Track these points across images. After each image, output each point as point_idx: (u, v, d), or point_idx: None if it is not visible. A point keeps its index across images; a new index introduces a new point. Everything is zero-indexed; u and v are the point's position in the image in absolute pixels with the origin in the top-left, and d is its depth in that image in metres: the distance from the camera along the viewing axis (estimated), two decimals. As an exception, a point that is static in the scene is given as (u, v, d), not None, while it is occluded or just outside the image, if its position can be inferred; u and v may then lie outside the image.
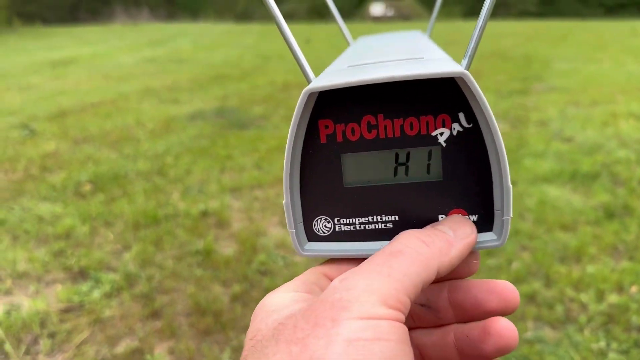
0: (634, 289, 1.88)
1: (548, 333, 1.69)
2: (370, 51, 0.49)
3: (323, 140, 0.35)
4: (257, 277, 2.08)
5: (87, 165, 3.42)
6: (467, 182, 0.35)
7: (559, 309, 1.79)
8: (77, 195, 2.95)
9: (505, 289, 0.35)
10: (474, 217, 0.36)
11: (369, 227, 0.37)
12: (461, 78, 0.32)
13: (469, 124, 0.34)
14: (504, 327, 0.35)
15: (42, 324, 1.82)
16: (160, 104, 5.30)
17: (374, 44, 0.57)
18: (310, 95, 0.33)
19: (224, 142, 3.86)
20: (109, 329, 1.80)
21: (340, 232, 0.37)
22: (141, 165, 3.39)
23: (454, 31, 10.91)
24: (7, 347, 1.71)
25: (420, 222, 0.36)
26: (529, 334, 1.68)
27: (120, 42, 13.20)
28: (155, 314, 1.87)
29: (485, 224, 0.36)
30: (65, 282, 2.08)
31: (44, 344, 1.73)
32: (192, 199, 2.83)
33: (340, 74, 0.35)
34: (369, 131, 0.35)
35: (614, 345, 1.62)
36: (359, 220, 0.37)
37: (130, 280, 2.08)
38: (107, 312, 1.88)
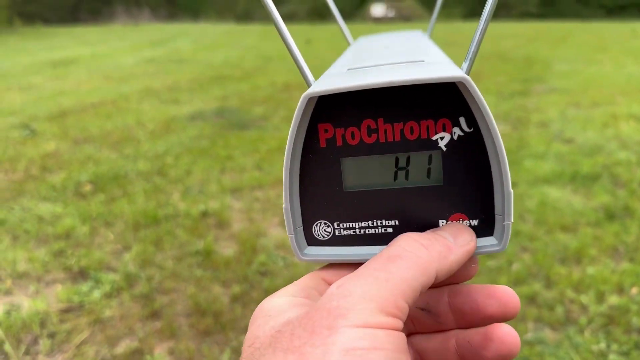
0: (634, 290, 1.88)
1: (548, 334, 1.69)
2: (370, 53, 0.49)
3: (323, 144, 0.35)
4: (257, 278, 2.08)
5: (88, 165, 3.42)
6: (468, 186, 0.35)
7: (560, 310, 1.79)
8: (77, 195, 2.95)
9: (505, 294, 0.35)
10: (475, 222, 0.36)
11: (369, 231, 0.37)
12: (462, 83, 0.31)
13: (469, 128, 0.34)
14: (505, 334, 0.34)
15: (42, 324, 1.82)
16: (160, 105, 5.30)
17: (374, 45, 0.57)
18: (310, 99, 0.33)
19: (224, 143, 3.86)
20: (109, 329, 1.80)
21: (340, 236, 0.37)
22: (141, 165, 3.39)
23: (454, 32, 10.91)
24: (7, 347, 1.71)
25: (421, 226, 0.36)
26: (530, 335, 1.68)
27: (121, 43, 13.20)
28: (155, 315, 1.87)
29: (485, 228, 0.35)
30: (65, 282, 2.08)
31: (44, 344, 1.73)
32: (192, 199, 2.83)
33: (340, 77, 0.35)
34: (369, 135, 0.35)
35: (615, 346, 1.62)
36: (358, 224, 0.37)
37: (130, 280, 2.07)
38: (107, 313, 1.88)
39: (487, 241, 0.35)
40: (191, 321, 1.83)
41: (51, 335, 1.77)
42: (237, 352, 1.69)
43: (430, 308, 0.37)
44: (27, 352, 1.70)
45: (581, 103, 4.76)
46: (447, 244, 0.32)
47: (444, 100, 0.33)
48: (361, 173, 0.36)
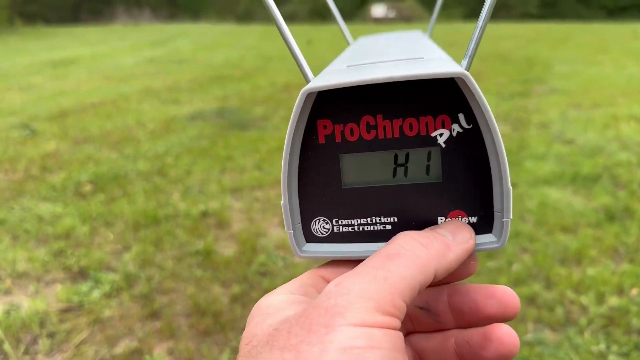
0: (634, 291, 1.88)
1: (548, 335, 1.69)
2: (369, 51, 0.49)
3: (322, 140, 0.35)
4: (257, 278, 2.07)
5: (88, 165, 3.42)
6: (467, 183, 0.35)
7: (559, 311, 1.79)
8: (77, 195, 2.95)
9: (504, 294, 0.35)
10: (474, 219, 0.35)
11: (367, 228, 0.37)
12: (461, 79, 0.31)
13: (468, 125, 0.34)
14: (504, 334, 0.34)
15: (42, 324, 1.82)
16: (160, 105, 5.30)
17: (373, 44, 0.57)
18: (309, 95, 0.33)
19: (224, 143, 3.86)
20: (108, 329, 1.80)
21: (339, 233, 0.37)
22: (141, 165, 3.38)
23: (454, 33, 10.91)
24: (6, 346, 1.71)
25: (420, 223, 0.36)
26: (529, 336, 1.67)
27: (121, 43, 13.21)
28: (154, 315, 1.87)
29: (484, 225, 0.35)
30: (65, 282, 2.08)
31: (43, 343, 1.73)
32: (192, 199, 2.82)
33: (339, 74, 0.35)
34: (368, 132, 0.35)
35: (614, 347, 1.62)
36: (357, 221, 0.37)
37: (130, 280, 2.07)
38: (107, 312, 1.88)
39: (486, 238, 0.35)
40: (191, 321, 1.83)
41: (50, 335, 1.77)
42: (236, 352, 1.69)
43: (429, 307, 0.37)
44: (26, 352, 1.70)
45: (582, 104, 4.75)
46: (446, 242, 0.32)
47: (443, 96, 0.33)
48: (360, 170, 0.35)
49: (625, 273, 1.98)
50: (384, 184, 0.35)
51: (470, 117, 0.33)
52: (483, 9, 0.34)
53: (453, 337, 0.36)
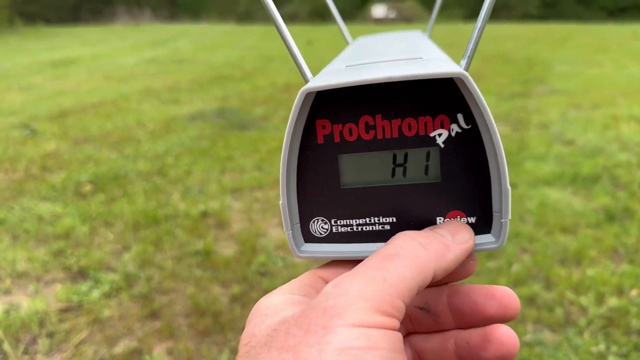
0: (634, 292, 1.88)
1: (548, 336, 1.68)
2: (368, 51, 0.49)
3: (320, 140, 0.35)
4: (256, 278, 2.07)
5: (88, 165, 3.42)
6: (466, 183, 0.35)
7: (559, 311, 1.79)
8: (77, 195, 2.95)
9: (504, 295, 0.35)
10: (472, 219, 0.35)
11: (366, 228, 0.37)
12: (460, 79, 0.31)
13: (467, 125, 0.34)
14: (504, 335, 0.34)
15: (41, 324, 1.82)
16: (160, 105, 5.30)
17: (372, 44, 0.57)
18: (308, 95, 0.33)
19: (224, 143, 3.86)
20: (108, 329, 1.80)
21: (337, 233, 0.37)
22: (141, 165, 3.38)
23: (454, 33, 10.91)
24: (6, 346, 1.71)
25: (418, 223, 0.36)
26: (529, 337, 1.67)
27: (122, 43, 13.21)
28: (154, 315, 1.87)
29: (483, 226, 0.35)
30: (65, 282, 2.08)
31: (43, 343, 1.73)
32: (192, 199, 2.82)
33: (337, 73, 0.35)
34: (367, 132, 0.35)
35: (614, 348, 1.62)
36: (356, 221, 0.37)
37: (129, 280, 2.07)
38: (106, 312, 1.88)
39: (485, 238, 0.35)
40: (190, 321, 1.83)
41: (50, 335, 1.77)
42: (236, 352, 1.69)
43: (429, 307, 0.37)
44: (25, 352, 1.70)
45: (582, 104, 4.75)
46: (445, 242, 0.32)
47: (442, 96, 0.33)
48: (359, 170, 0.35)
49: (624, 274, 1.98)
50: (383, 184, 0.35)
51: (469, 118, 0.33)
52: (482, 10, 0.34)
53: (453, 338, 0.36)
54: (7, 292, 2.02)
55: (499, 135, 0.32)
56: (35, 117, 4.82)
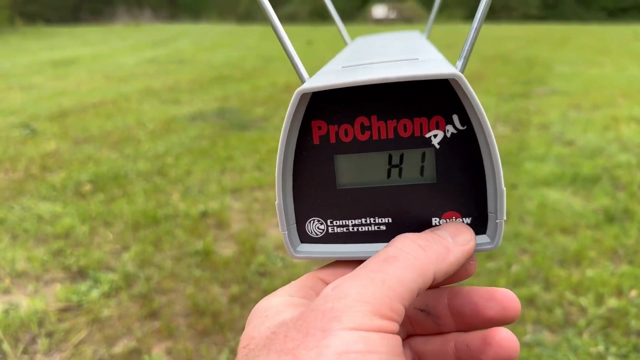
0: (633, 293, 1.88)
1: (547, 336, 1.68)
2: (365, 51, 0.49)
3: (316, 141, 0.35)
4: (256, 279, 2.07)
5: (88, 165, 3.42)
6: (461, 184, 0.35)
7: (558, 312, 1.79)
8: (77, 195, 2.95)
9: (505, 297, 0.35)
10: (468, 220, 0.35)
11: (362, 229, 0.37)
12: (455, 80, 0.31)
13: (462, 126, 0.34)
14: (504, 338, 0.34)
15: (40, 323, 1.82)
16: (161, 105, 5.30)
17: (370, 44, 0.57)
18: (303, 95, 0.33)
19: (224, 143, 3.86)
20: (107, 329, 1.80)
21: (333, 234, 0.37)
22: (141, 165, 3.39)
23: (454, 34, 10.91)
24: (5, 346, 1.71)
25: (414, 224, 0.36)
26: (528, 337, 1.67)
27: (122, 43, 13.21)
28: (153, 314, 1.87)
29: (478, 226, 0.35)
30: (64, 281, 2.08)
31: (42, 343, 1.73)
32: (192, 199, 2.83)
33: (333, 74, 0.35)
34: (363, 132, 0.35)
35: (613, 349, 1.62)
36: (352, 222, 0.37)
37: (128, 280, 2.07)
38: (106, 312, 1.88)
39: (480, 239, 0.35)
40: (189, 321, 1.83)
41: (49, 335, 1.77)
42: (235, 352, 1.69)
43: (429, 309, 0.37)
44: (25, 351, 1.70)
45: (582, 105, 4.75)
46: (445, 245, 0.32)
47: (437, 97, 0.33)
48: (354, 170, 0.35)
49: (624, 274, 1.98)
50: (379, 185, 0.36)
51: (464, 119, 0.33)
52: (478, 11, 0.34)
53: (453, 341, 0.36)
54: (6, 291, 2.02)
55: (493, 136, 0.32)
56: (36, 116, 4.83)
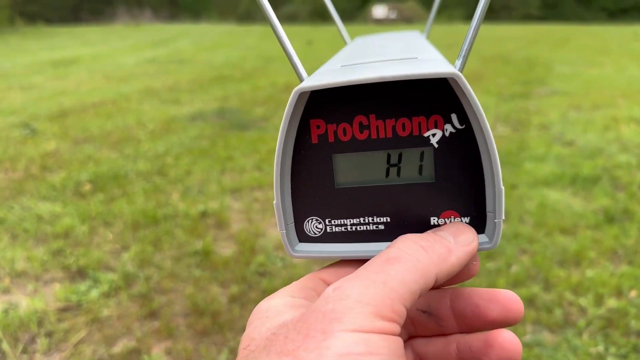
0: (633, 293, 1.88)
1: (547, 337, 1.68)
2: (364, 51, 0.49)
3: (314, 140, 0.35)
4: (255, 279, 2.07)
5: (88, 165, 3.42)
6: (460, 183, 0.35)
7: (558, 312, 1.79)
8: (77, 194, 2.95)
9: (507, 299, 0.35)
10: (466, 219, 0.35)
11: (360, 228, 0.37)
12: (453, 79, 0.31)
13: (461, 125, 0.34)
14: (506, 340, 0.34)
15: (40, 323, 1.82)
16: (161, 105, 5.30)
17: (369, 44, 0.57)
18: (302, 94, 0.33)
19: (224, 143, 3.86)
20: (107, 329, 1.80)
21: (332, 233, 0.37)
22: (141, 165, 3.39)
23: (455, 34, 10.90)
24: (4, 345, 1.71)
25: (413, 223, 0.36)
26: (528, 338, 1.67)
27: (122, 43, 13.22)
28: (153, 314, 1.87)
29: (477, 226, 0.35)
30: (64, 281, 2.08)
31: (41, 343, 1.73)
32: (191, 199, 2.82)
33: (332, 73, 0.35)
34: (361, 131, 0.34)
35: (613, 349, 1.62)
36: (350, 221, 0.37)
37: (128, 280, 2.07)
38: (105, 312, 1.88)
39: (479, 239, 0.35)
40: (189, 321, 1.83)
41: (49, 334, 1.77)
42: (234, 352, 1.69)
43: (431, 311, 0.37)
44: (24, 351, 1.70)
45: (582, 105, 4.75)
46: (447, 246, 0.32)
47: (435, 96, 0.33)
48: (353, 169, 0.35)
49: (624, 275, 1.98)
50: (377, 184, 0.35)
51: (463, 118, 0.33)
52: (477, 10, 0.34)
53: (455, 342, 0.36)
54: (6, 291, 2.02)
55: (492, 135, 0.32)
56: (36, 116, 4.83)
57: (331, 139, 0.35)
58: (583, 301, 1.84)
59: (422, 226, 0.35)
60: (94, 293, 1.98)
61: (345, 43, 0.65)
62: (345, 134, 0.35)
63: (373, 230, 0.36)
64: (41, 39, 14.86)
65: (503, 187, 0.33)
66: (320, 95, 0.34)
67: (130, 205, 2.76)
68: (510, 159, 3.27)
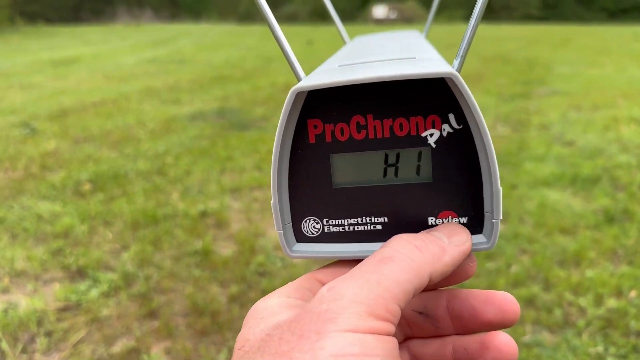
0: (632, 293, 1.88)
1: (546, 337, 1.68)
2: (363, 50, 0.49)
3: (312, 140, 0.35)
4: (255, 278, 2.07)
5: (87, 164, 3.42)
6: (457, 183, 0.35)
7: (558, 313, 1.79)
8: (77, 194, 2.95)
9: (503, 300, 0.35)
10: (464, 219, 0.35)
11: (358, 228, 0.36)
12: (451, 79, 0.31)
13: (459, 125, 0.34)
14: (502, 342, 0.34)
15: (39, 323, 1.82)
16: (161, 104, 5.30)
17: (368, 44, 0.57)
18: (299, 94, 0.33)
19: (224, 143, 3.86)
20: (106, 329, 1.80)
21: (329, 233, 0.37)
22: (141, 165, 3.39)
23: (455, 34, 10.90)
24: (4, 345, 1.71)
25: (410, 223, 0.36)
26: (527, 338, 1.67)
27: (122, 43, 13.22)
28: (152, 314, 1.87)
29: (475, 226, 0.35)
30: (63, 281, 2.08)
31: (41, 342, 1.73)
32: (191, 199, 2.82)
33: (329, 73, 0.35)
34: (359, 131, 0.34)
35: (612, 349, 1.62)
36: (348, 221, 0.36)
37: (128, 279, 2.07)
38: (105, 312, 1.88)
39: (476, 239, 0.35)
40: (188, 321, 1.83)
41: (48, 334, 1.77)
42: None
43: (428, 312, 0.37)
44: (24, 351, 1.70)
45: (582, 106, 4.75)
46: (441, 245, 0.32)
47: (433, 96, 0.33)
48: (350, 169, 0.35)
49: (623, 275, 1.98)
50: (375, 184, 0.35)
51: (461, 118, 0.33)
52: (474, 10, 0.34)
53: (451, 344, 0.36)
54: (5, 290, 2.02)
55: (489, 135, 0.32)
56: (36, 116, 4.83)
57: (329, 138, 0.35)
58: (583, 301, 1.84)
59: (420, 226, 0.35)
60: (94, 293, 1.98)
61: (344, 43, 0.65)
62: (342, 133, 0.35)
63: (371, 230, 0.36)
64: (41, 38, 14.87)
65: (501, 187, 0.33)
66: (317, 95, 0.34)
67: (130, 204, 2.76)
68: (510, 159, 3.27)
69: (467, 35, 0.34)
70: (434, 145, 0.34)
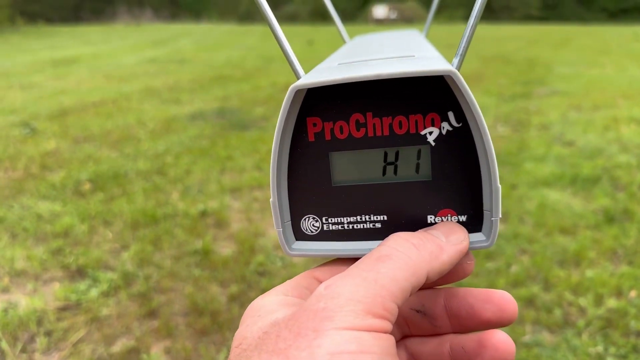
0: (632, 293, 1.88)
1: (546, 337, 1.68)
2: (363, 49, 0.49)
3: (311, 138, 0.35)
4: (255, 278, 2.07)
5: (88, 164, 3.42)
6: (457, 182, 0.34)
7: (558, 313, 1.79)
8: (77, 194, 2.95)
9: (501, 299, 0.35)
10: (463, 218, 0.35)
11: (357, 226, 0.36)
12: (450, 77, 0.31)
13: (458, 123, 0.33)
14: (500, 341, 0.34)
15: (39, 322, 1.82)
16: (161, 104, 5.30)
17: (367, 43, 0.57)
18: (298, 92, 0.33)
19: (224, 143, 3.86)
20: (106, 328, 1.80)
21: (329, 231, 0.37)
22: (141, 164, 3.39)
23: (455, 34, 10.90)
24: (4, 345, 1.71)
25: (409, 222, 0.36)
26: (527, 338, 1.67)
27: (123, 42, 13.22)
28: (152, 314, 1.87)
29: (474, 224, 0.35)
30: (63, 280, 2.08)
31: (41, 342, 1.73)
32: (191, 199, 2.82)
33: (329, 71, 0.35)
34: (358, 129, 0.34)
35: (612, 349, 1.61)
36: (347, 219, 0.36)
37: (127, 279, 2.07)
38: (104, 311, 1.88)
39: (476, 237, 0.35)
40: (188, 320, 1.83)
41: (48, 334, 1.77)
42: (233, 351, 1.69)
43: (426, 310, 0.37)
44: (23, 350, 1.70)
45: (582, 106, 4.75)
46: (438, 244, 0.31)
47: (432, 94, 0.33)
48: (350, 167, 0.35)
49: (623, 275, 1.98)
50: (374, 182, 0.35)
51: (460, 116, 0.33)
52: (474, 9, 0.34)
53: (449, 342, 0.36)
54: (5, 290, 2.02)
55: (489, 133, 0.32)
56: (36, 115, 4.83)
57: (328, 137, 0.35)
58: (583, 301, 1.84)
59: (419, 224, 0.35)
60: (94, 292, 1.98)
61: (344, 43, 0.65)
62: (342, 131, 0.35)
63: (370, 228, 0.36)
64: (42, 38, 14.87)
65: (500, 186, 0.33)
66: (317, 93, 0.34)
67: (130, 204, 2.76)
68: (510, 159, 3.27)
69: (467, 34, 0.34)
70: (433, 144, 0.34)
